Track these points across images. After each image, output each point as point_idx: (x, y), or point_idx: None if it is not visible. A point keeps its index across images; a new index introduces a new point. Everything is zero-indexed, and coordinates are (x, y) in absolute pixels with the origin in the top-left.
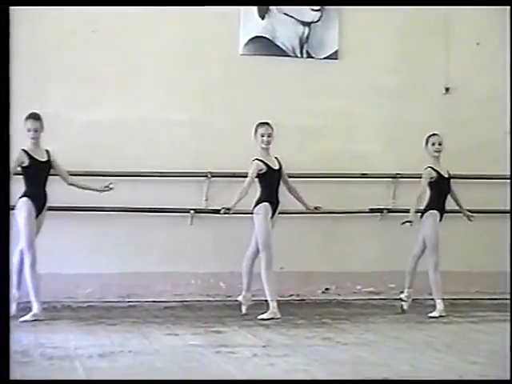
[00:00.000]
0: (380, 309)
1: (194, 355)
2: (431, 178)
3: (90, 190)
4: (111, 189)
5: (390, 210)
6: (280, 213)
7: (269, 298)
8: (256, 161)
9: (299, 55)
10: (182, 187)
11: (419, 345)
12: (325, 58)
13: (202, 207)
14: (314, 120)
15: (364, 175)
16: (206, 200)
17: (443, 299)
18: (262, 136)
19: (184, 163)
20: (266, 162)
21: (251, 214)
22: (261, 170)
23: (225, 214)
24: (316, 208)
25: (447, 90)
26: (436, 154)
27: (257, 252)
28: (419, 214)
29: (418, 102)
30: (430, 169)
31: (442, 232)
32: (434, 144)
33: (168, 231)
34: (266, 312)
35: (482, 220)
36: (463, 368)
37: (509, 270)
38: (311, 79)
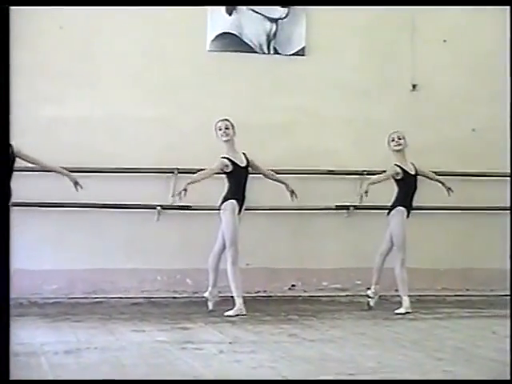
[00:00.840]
0: (346, 305)
1: (160, 351)
2: (397, 174)
3: (60, 173)
4: (79, 186)
5: (356, 207)
6: (247, 209)
7: (235, 295)
8: (222, 159)
9: (266, 52)
10: (149, 183)
11: (385, 341)
12: (292, 55)
13: (169, 203)
14: (281, 117)
15: (331, 172)
16: (173, 196)
17: (410, 296)
18: (220, 129)
19: (151, 159)
20: (232, 159)
21: (218, 210)
22: (226, 168)
23: (179, 195)
24: (293, 193)
25: (414, 87)
26: (397, 148)
27: (223, 248)
28: (385, 210)
29: (384, 99)
30: (396, 166)
31: (409, 229)
32: (393, 140)
33: (134, 227)
34: (232, 309)
35: (447, 217)
36: (429, 364)
37: (469, 266)
38: (278, 76)
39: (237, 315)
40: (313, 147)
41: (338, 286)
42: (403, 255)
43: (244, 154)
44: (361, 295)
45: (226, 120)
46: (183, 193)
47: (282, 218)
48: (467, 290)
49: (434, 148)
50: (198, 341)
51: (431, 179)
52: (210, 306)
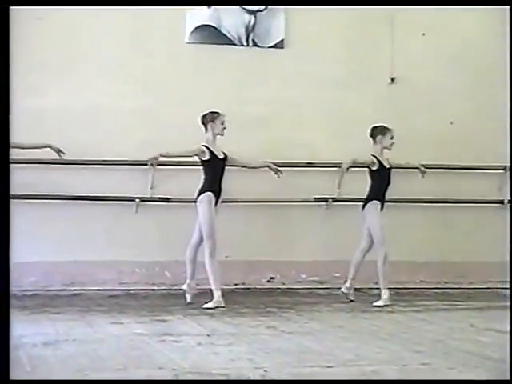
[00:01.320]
0: (325, 298)
1: (138, 344)
2: (373, 163)
3: (42, 147)
4: (62, 153)
5: (335, 200)
6: (226, 201)
7: (213, 287)
8: (202, 146)
9: (245, 44)
10: (128, 175)
11: (363, 334)
12: (271, 47)
13: (148, 196)
14: (260, 109)
15: (309, 164)
16: (151, 188)
17: (388, 288)
18: (222, 124)
19: (129, 151)
20: (211, 148)
21: (196, 202)
22: (203, 155)
23: (151, 164)
24: (277, 171)
25: (392, 80)
26: (391, 148)
27: (201, 241)
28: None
29: (363, 91)
30: (373, 156)
31: (387, 222)
32: (392, 137)
33: (113, 219)
34: (210, 301)
35: (425, 210)
36: (407, 357)
37: (443, 259)
38: (257, 68)
39: (215, 307)
40: (291, 139)
41: (317, 278)
42: (385, 250)
43: (222, 151)
44: (339, 288)
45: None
46: (154, 162)
47: (260, 211)
48: (445, 282)
49: (412, 140)
50: (177, 333)
51: (407, 167)
52: (188, 298)
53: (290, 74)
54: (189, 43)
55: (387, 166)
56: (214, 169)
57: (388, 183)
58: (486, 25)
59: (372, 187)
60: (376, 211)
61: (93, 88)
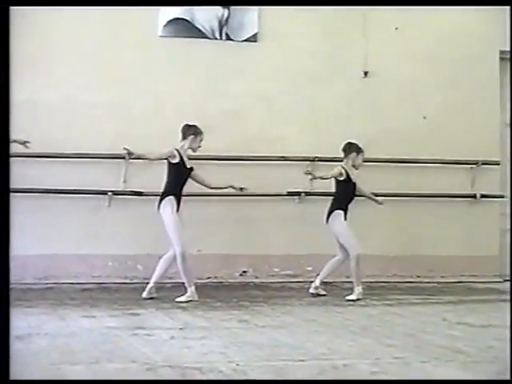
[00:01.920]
0: (297, 292)
1: (110, 337)
2: (340, 174)
3: None
4: (28, 142)
5: (307, 193)
6: (198, 195)
7: (186, 284)
8: (175, 150)
9: (218, 37)
10: (100, 169)
11: (336, 328)
12: (244, 41)
13: (120, 189)
14: (233, 103)
15: (282, 158)
16: (124, 182)
17: (361, 282)
18: (200, 141)
19: (102, 145)
20: (182, 157)
21: (158, 209)
22: (173, 158)
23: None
24: (241, 189)
25: (366, 74)
26: (358, 168)
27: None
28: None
29: (336, 85)
30: (342, 168)
31: (358, 216)
32: (363, 160)
33: (86, 213)
34: (183, 294)
35: (397, 204)
36: (379, 350)
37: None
38: (230, 62)
39: (188, 301)
40: (264, 133)
41: (289, 272)
42: (356, 251)
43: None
44: (312, 281)
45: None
46: (128, 153)
47: (233, 205)
48: (417, 276)
49: (385, 135)
50: (149, 327)
51: (366, 196)
52: (145, 294)
53: (263, 67)
54: (162, 36)
55: (353, 181)
56: (180, 174)
57: (353, 196)
58: (459, 20)
59: (337, 198)
60: (340, 219)
61: (65, 81)
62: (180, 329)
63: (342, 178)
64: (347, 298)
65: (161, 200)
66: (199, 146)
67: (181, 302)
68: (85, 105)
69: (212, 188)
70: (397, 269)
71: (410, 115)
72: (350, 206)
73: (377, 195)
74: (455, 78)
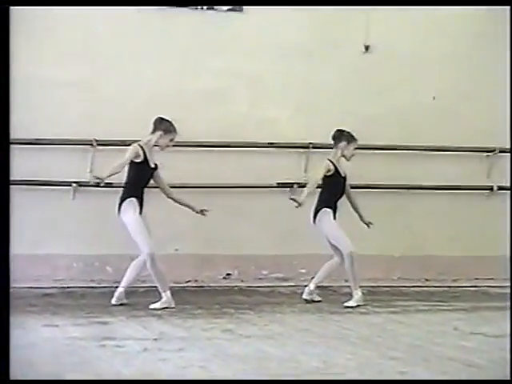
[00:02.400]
0: (288, 297)
1: (75, 349)
2: (328, 170)
3: None
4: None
5: (300, 185)
6: (175, 187)
7: (160, 289)
8: (138, 146)
9: (199, 6)
10: (63, 157)
11: (332, 338)
12: (228, 11)
13: (86, 180)
14: (215, 81)
15: (271, 144)
16: (91, 172)
17: (361, 287)
18: (171, 141)
19: (65, 129)
20: (146, 153)
21: (118, 212)
22: (138, 157)
23: (97, 185)
24: (202, 211)
25: (367, 48)
26: (349, 159)
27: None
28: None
29: (333, 61)
30: (330, 162)
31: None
32: (355, 149)
33: (46, 207)
34: (158, 301)
35: (399, 197)
36: (382, 364)
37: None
38: (212, 34)
39: (164, 308)
40: (250, 116)
41: (280, 275)
42: (349, 249)
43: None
44: (306, 285)
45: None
46: (100, 181)
47: (215, 198)
48: (426, 280)
49: (389, 118)
50: (119, 337)
51: (352, 204)
52: (114, 300)
53: (249, 41)
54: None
55: (343, 175)
56: (142, 175)
57: (342, 193)
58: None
59: (324, 195)
60: (329, 217)
61: (29, 59)
62: (154, 339)
63: (329, 174)
64: (346, 304)
65: (121, 203)
66: (167, 146)
67: (155, 310)
68: (45, 83)
69: (169, 198)
70: (402, 271)
71: (417, 95)
72: (338, 204)
73: (376, 187)
74: (469, 53)
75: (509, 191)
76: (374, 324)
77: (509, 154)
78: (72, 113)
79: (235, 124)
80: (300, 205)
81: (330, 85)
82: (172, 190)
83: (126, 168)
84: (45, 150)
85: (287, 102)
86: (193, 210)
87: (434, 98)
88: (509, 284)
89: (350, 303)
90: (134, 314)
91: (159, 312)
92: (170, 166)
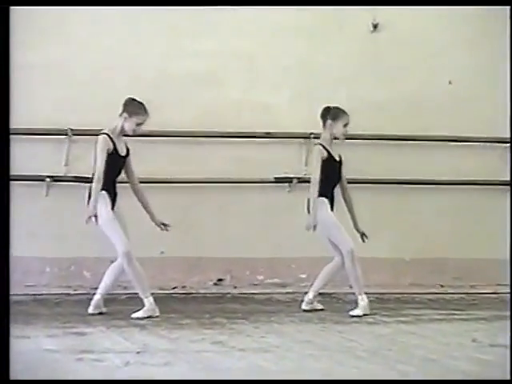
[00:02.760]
0: (287, 305)
1: (48, 363)
2: (322, 157)
3: None
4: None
5: (300, 180)
6: (161, 182)
7: (142, 295)
8: (104, 135)
9: None
10: (35, 148)
11: (336, 351)
12: None
13: (61, 174)
14: (204, 63)
15: (268, 135)
16: (66, 165)
17: (367, 294)
18: (138, 125)
19: (37, 118)
20: (115, 142)
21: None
22: (108, 150)
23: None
24: (163, 225)
25: (375, 27)
26: (342, 138)
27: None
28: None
29: (337, 41)
30: (321, 146)
31: (362, 208)
32: (346, 125)
33: (16, 204)
34: (141, 309)
35: (414, 193)
36: (391, 379)
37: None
38: (203, 12)
39: (147, 317)
40: (244, 103)
41: (277, 280)
42: (349, 246)
43: (125, 144)
44: (306, 292)
45: (148, 116)
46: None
47: (205, 194)
48: (441, 286)
49: (400, 105)
50: (98, 350)
51: (344, 198)
52: (91, 309)
53: (243, 18)
54: None
55: (337, 159)
56: (112, 165)
57: (338, 179)
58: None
59: (319, 181)
60: (325, 208)
61: None
62: (137, 352)
63: (322, 160)
64: (351, 313)
65: (90, 198)
66: (134, 131)
67: (138, 319)
68: (12, 66)
69: (135, 194)
70: (413, 276)
71: (431, 79)
72: (335, 192)
73: (386, 182)
74: (490, 34)
75: None
76: (383, 335)
77: None
78: (43, 99)
79: (227, 111)
80: (315, 228)
81: (333, 68)
82: (152, 185)
83: (94, 159)
84: (13, 141)
85: (286, 86)
86: (152, 219)
87: (449, 83)
88: None
89: (356, 312)
90: (115, 323)
91: (142, 322)
92: (153, 159)
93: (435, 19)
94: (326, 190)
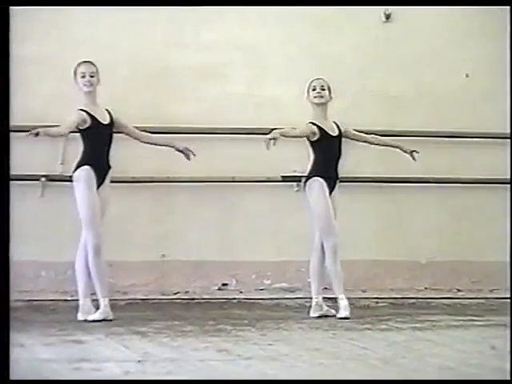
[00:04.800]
0: (295, 311)
1: (44, 373)
2: (313, 134)
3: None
4: None
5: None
6: (159, 181)
7: (99, 295)
8: (79, 111)
9: None
10: (30, 146)
11: (347, 359)
12: None
13: (57, 173)
14: (207, 55)
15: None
16: (62, 164)
17: (381, 298)
18: (83, 76)
19: (32, 113)
20: (91, 113)
21: (70, 181)
22: (84, 123)
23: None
24: (186, 150)
25: (388, 17)
26: (317, 101)
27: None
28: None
29: (347, 32)
30: (310, 124)
31: (372, 207)
32: (314, 89)
33: (10, 205)
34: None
35: (424, 191)
36: None
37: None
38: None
39: (102, 320)
40: (250, 97)
41: (285, 285)
42: (333, 240)
43: (107, 110)
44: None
45: (91, 64)
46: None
47: (209, 193)
48: (458, 290)
49: (415, 99)
50: (96, 358)
51: (373, 143)
52: (80, 315)
53: (247, 9)
54: None
55: (334, 134)
56: (96, 137)
57: (338, 155)
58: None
59: (314, 161)
60: (319, 190)
61: None
62: (138, 361)
63: (315, 138)
64: (338, 315)
65: (73, 172)
66: (88, 84)
67: (94, 321)
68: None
69: (146, 142)
70: (429, 280)
71: (446, 73)
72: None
73: (401, 181)
74: (503, 24)
75: None
76: (397, 342)
77: None
78: (38, 94)
79: (231, 106)
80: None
81: (344, 60)
82: (152, 185)
83: (80, 137)
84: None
85: (293, 80)
86: (173, 147)
87: (467, 76)
88: None
89: (344, 314)
90: (114, 331)
91: (143, 329)
92: (153, 156)
93: (451, 9)
94: (324, 170)
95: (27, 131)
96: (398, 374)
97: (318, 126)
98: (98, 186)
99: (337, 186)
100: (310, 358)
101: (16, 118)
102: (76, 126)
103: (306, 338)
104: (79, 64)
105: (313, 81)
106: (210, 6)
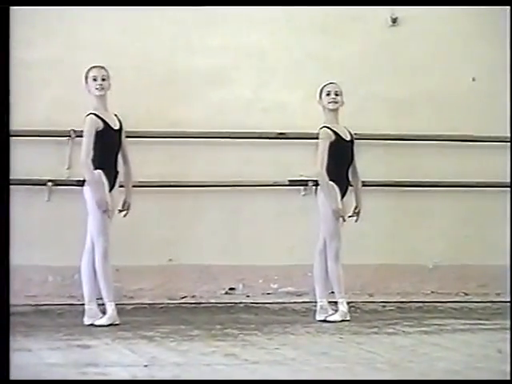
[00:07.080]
0: (302, 315)
1: (51, 378)
2: (328, 137)
3: None
4: None
5: (317, 182)
6: (168, 186)
7: (106, 299)
8: (90, 115)
9: None
10: (36, 150)
11: (354, 363)
12: None
13: (63, 178)
14: (213, 59)
15: (281, 135)
16: (68, 168)
17: (388, 302)
18: (95, 80)
19: (38, 118)
20: (102, 117)
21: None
22: (97, 128)
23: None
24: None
25: (394, 20)
26: (331, 107)
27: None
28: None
29: (353, 36)
30: (325, 128)
31: (377, 211)
32: (328, 94)
33: (17, 210)
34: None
35: (431, 196)
36: None
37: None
38: (212, 5)
39: (109, 324)
40: (255, 101)
41: (292, 289)
42: (337, 244)
43: (116, 116)
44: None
45: (103, 68)
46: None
47: (216, 198)
48: (465, 294)
49: (421, 103)
50: (103, 363)
51: (352, 176)
52: (86, 320)
53: (253, 13)
54: None
55: (347, 139)
56: (106, 141)
57: (351, 160)
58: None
59: (327, 165)
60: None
61: None
62: (145, 366)
63: (329, 142)
64: (329, 318)
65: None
66: (100, 88)
67: (101, 326)
68: (12, 63)
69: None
70: (436, 284)
71: (453, 76)
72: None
73: (406, 185)
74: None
75: None
76: (404, 346)
77: None
78: (44, 98)
79: (237, 110)
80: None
81: (350, 64)
82: (159, 189)
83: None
84: (12, 144)
85: (301, 84)
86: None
87: (473, 80)
88: None
89: (334, 317)
90: (121, 335)
91: (150, 333)
92: (159, 160)
93: (458, 12)
94: (335, 174)
95: (32, 136)
96: (405, 378)
97: (333, 131)
98: (109, 190)
99: (348, 191)
100: (317, 362)
101: (21, 122)
102: (95, 131)
103: (313, 342)
104: (91, 68)
105: (326, 85)
106: (215, 8)
